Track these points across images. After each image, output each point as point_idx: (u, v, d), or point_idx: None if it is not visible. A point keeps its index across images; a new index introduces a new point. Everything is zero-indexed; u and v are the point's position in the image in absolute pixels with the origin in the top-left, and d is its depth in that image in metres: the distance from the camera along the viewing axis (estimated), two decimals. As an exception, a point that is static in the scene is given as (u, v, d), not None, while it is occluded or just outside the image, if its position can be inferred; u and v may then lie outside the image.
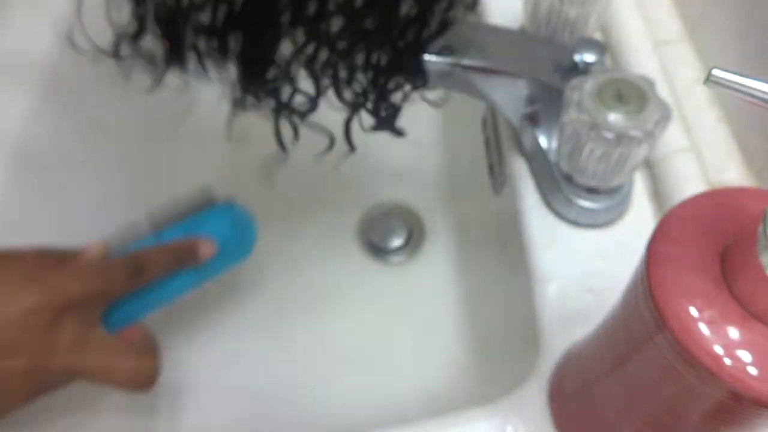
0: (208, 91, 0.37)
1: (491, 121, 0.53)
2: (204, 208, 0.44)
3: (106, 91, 0.56)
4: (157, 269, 0.40)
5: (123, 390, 0.38)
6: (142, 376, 0.38)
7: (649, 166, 0.45)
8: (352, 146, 0.42)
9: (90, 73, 0.54)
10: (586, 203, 0.42)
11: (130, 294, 0.39)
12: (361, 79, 0.36)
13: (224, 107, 0.39)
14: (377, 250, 0.60)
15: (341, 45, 0.33)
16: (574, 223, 0.43)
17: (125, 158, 0.58)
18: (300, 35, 0.32)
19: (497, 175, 0.51)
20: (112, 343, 0.37)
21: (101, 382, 0.37)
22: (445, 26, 0.34)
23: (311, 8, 0.30)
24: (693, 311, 0.22)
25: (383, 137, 0.67)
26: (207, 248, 0.42)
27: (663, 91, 0.46)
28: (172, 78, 0.36)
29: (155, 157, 0.60)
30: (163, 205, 0.43)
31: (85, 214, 0.53)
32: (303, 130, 0.40)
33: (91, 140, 0.56)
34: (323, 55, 0.33)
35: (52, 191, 0.52)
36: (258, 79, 0.35)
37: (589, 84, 0.36)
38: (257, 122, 0.40)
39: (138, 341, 0.39)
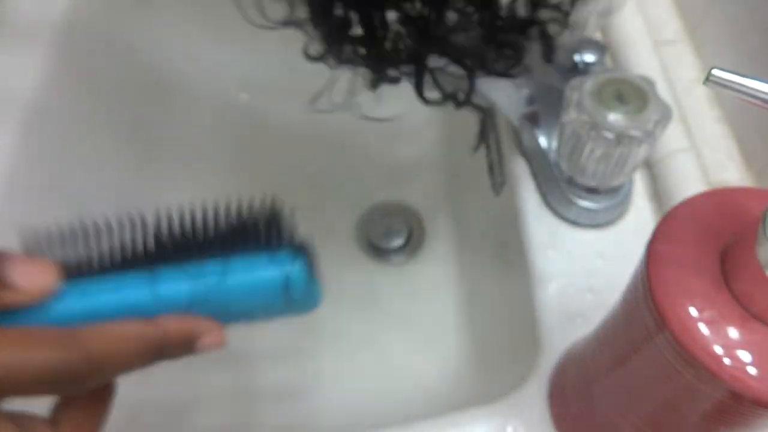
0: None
1: (491, 121, 0.53)
2: (258, 236, 0.27)
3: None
4: (114, 368, 0.24)
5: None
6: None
7: (649, 166, 0.45)
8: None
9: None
10: (586, 203, 0.42)
11: None
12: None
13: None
14: (377, 250, 0.60)
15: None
16: (574, 223, 0.43)
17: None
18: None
19: (497, 175, 0.51)
20: None
21: None
22: None
23: None
24: (693, 311, 0.22)
25: (383, 137, 0.67)
26: (213, 339, 0.27)
27: (663, 91, 0.46)
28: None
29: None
30: (193, 206, 0.27)
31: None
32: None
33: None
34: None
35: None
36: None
37: (589, 84, 0.36)
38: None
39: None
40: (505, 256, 0.49)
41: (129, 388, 0.27)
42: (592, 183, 0.41)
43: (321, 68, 0.36)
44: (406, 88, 0.42)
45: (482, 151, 0.56)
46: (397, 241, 0.60)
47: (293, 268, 0.28)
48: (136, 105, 0.58)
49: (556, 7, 0.35)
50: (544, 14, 0.35)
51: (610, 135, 0.35)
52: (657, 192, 0.44)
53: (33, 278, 0.24)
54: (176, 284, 0.26)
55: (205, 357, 0.54)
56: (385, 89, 0.37)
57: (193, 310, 0.26)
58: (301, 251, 0.28)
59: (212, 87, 0.63)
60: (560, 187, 0.42)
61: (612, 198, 0.42)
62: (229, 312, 0.27)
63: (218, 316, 0.27)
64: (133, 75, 0.58)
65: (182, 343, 0.26)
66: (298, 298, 0.28)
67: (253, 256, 0.27)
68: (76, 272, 0.25)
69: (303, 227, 0.61)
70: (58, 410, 0.25)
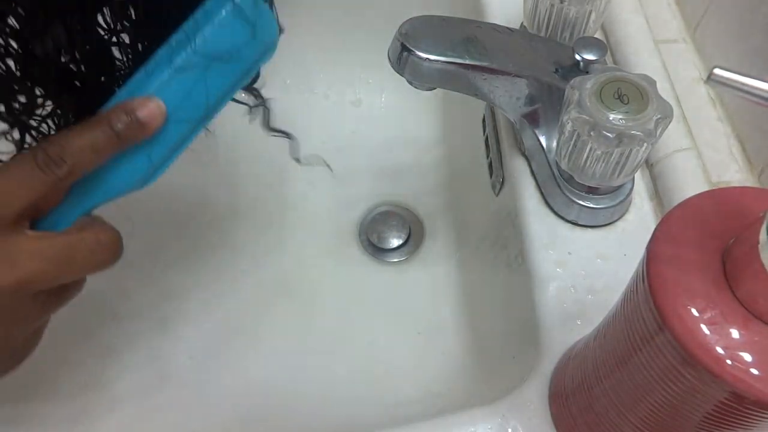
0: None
1: (491, 121, 0.53)
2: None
3: None
4: (82, 157, 0.28)
5: (86, 272, 0.30)
6: (105, 247, 0.30)
7: (650, 165, 0.45)
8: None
9: None
10: (586, 203, 0.42)
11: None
12: None
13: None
14: (377, 249, 0.60)
15: None
16: (574, 223, 0.43)
17: None
18: None
19: (497, 175, 0.51)
20: (47, 241, 0.29)
21: (53, 283, 0.29)
22: None
23: None
24: (694, 312, 0.22)
25: (382, 137, 0.67)
26: (150, 109, 0.29)
27: (664, 90, 0.46)
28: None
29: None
30: None
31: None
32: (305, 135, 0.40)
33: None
34: None
35: None
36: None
37: (590, 83, 0.36)
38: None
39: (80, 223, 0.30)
40: (505, 256, 0.49)
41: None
42: (593, 183, 0.40)
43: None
44: (406, 88, 0.42)
45: (482, 151, 0.56)
46: (397, 241, 0.60)
47: None
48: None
49: None
50: None
51: (610, 134, 0.35)
52: (658, 192, 0.44)
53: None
54: (164, 66, 0.30)
55: (204, 357, 0.53)
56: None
57: (190, 74, 0.30)
58: None
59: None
60: (560, 186, 0.42)
61: (612, 198, 0.42)
62: (218, 61, 0.30)
63: (218, 71, 0.31)
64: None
65: (127, 118, 0.28)
66: (255, 21, 0.31)
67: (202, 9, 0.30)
68: None
69: (303, 226, 0.61)
70: None
